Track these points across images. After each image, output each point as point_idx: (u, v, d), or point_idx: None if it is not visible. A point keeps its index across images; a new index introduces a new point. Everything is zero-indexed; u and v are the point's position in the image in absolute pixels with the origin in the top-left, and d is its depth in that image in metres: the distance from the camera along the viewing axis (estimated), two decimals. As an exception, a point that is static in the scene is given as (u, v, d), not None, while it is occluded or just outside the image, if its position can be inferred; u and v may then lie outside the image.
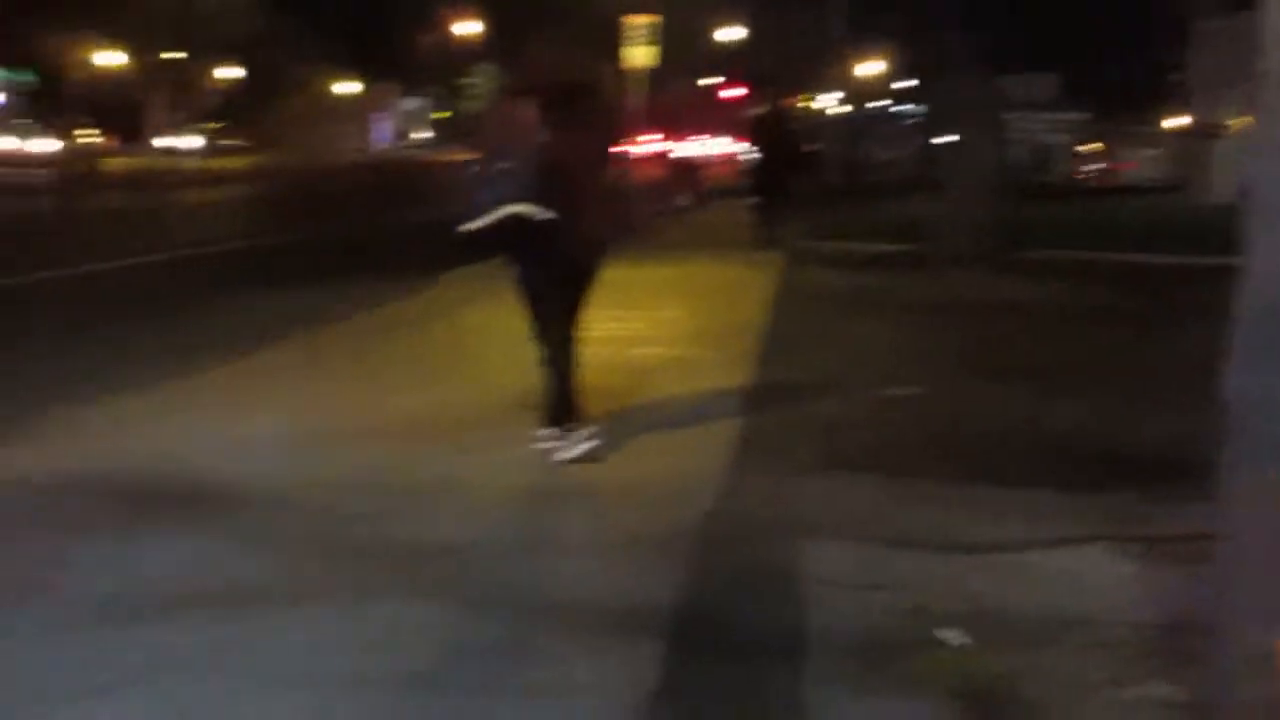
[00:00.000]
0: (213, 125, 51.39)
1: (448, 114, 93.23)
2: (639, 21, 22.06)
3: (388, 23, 69.98)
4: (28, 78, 51.16)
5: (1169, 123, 47.45)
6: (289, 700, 3.68)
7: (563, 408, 6.50)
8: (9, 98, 49.77)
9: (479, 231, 6.20)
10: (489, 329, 9.64)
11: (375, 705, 3.69)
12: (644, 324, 10.65)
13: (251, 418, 7.23)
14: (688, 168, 29.28)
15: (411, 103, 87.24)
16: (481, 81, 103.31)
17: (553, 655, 4.06)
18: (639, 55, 22.08)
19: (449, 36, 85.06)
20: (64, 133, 43.92)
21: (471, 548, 5.07)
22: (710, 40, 43.77)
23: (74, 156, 42.22)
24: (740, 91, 37.68)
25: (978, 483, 6.07)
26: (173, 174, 40.50)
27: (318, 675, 3.84)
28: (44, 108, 48.44)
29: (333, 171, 46.68)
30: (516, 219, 6.14)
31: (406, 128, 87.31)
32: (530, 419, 6.64)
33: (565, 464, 6.36)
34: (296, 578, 4.66)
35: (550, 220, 6.15)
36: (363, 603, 4.42)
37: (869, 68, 48.58)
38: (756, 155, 19.02)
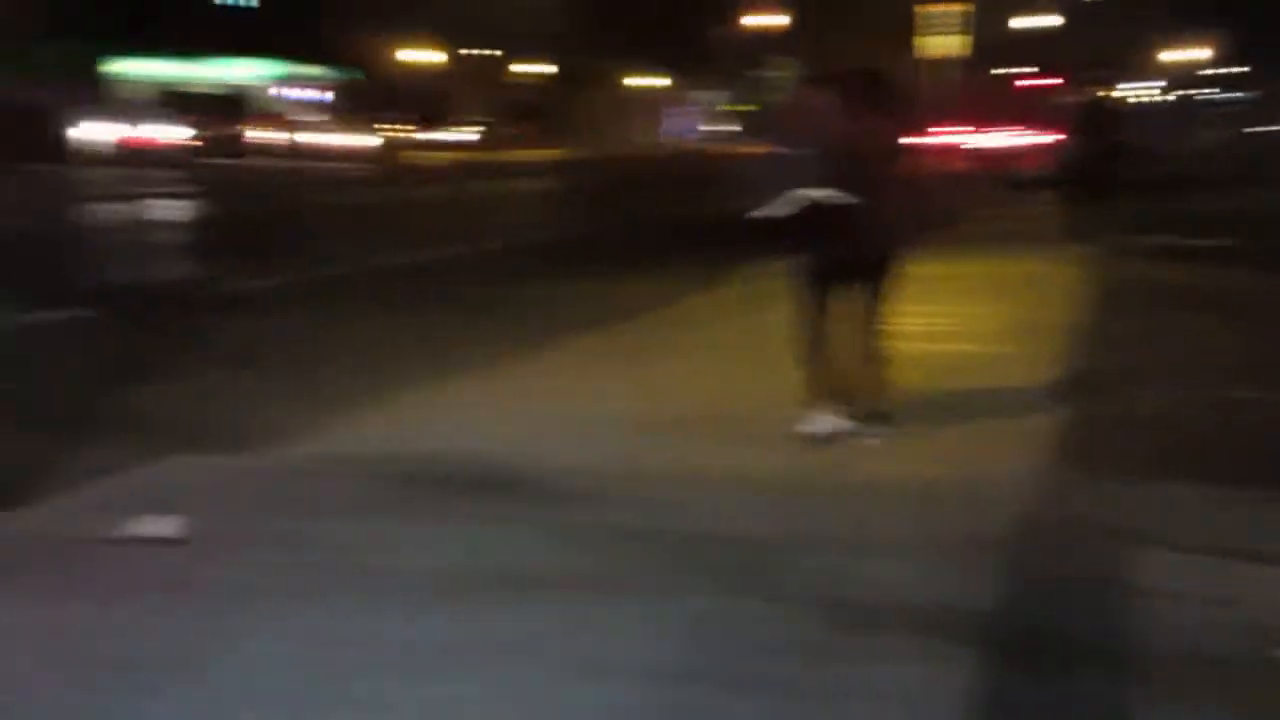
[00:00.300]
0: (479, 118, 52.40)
1: (743, 107, 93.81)
2: (936, 10, 21.59)
3: (688, 17, 70.70)
4: (355, 75, 53.61)
5: None
6: (602, 690, 3.68)
7: (863, 397, 6.52)
8: (336, 95, 52.25)
9: (774, 219, 6.21)
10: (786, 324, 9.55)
11: (682, 700, 3.65)
12: (949, 319, 10.37)
13: (570, 405, 7.37)
14: (992, 158, 28.51)
15: (707, 96, 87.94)
16: (779, 74, 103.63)
17: (860, 657, 3.94)
18: (937, 44, 21.62)
19: (747, 29, 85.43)
20: (373, 127, 45.81)
21: (774, 543, 4.99)
22: (1010, 28, 42.49)
23: (390, 150, 44.03)
24: (1049, 81, 36.53)
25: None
26: (481, 167, 41.85)
27: (626, 666, 3.83)
28: (365, 104, 50.62)
29: (630, 164, 47.44)
30: (815, 206, 6.13)
31: (702, 121, 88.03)
32: (830, 412, 6.57)
33: (863, 455, 6.30)
34: (602, 568, 4.66)
35: (850, 206, 6.12)
36: (668, 596, 4.38)
37: (1187, 54, 46.41)
38: (1074, 145, 18.30)
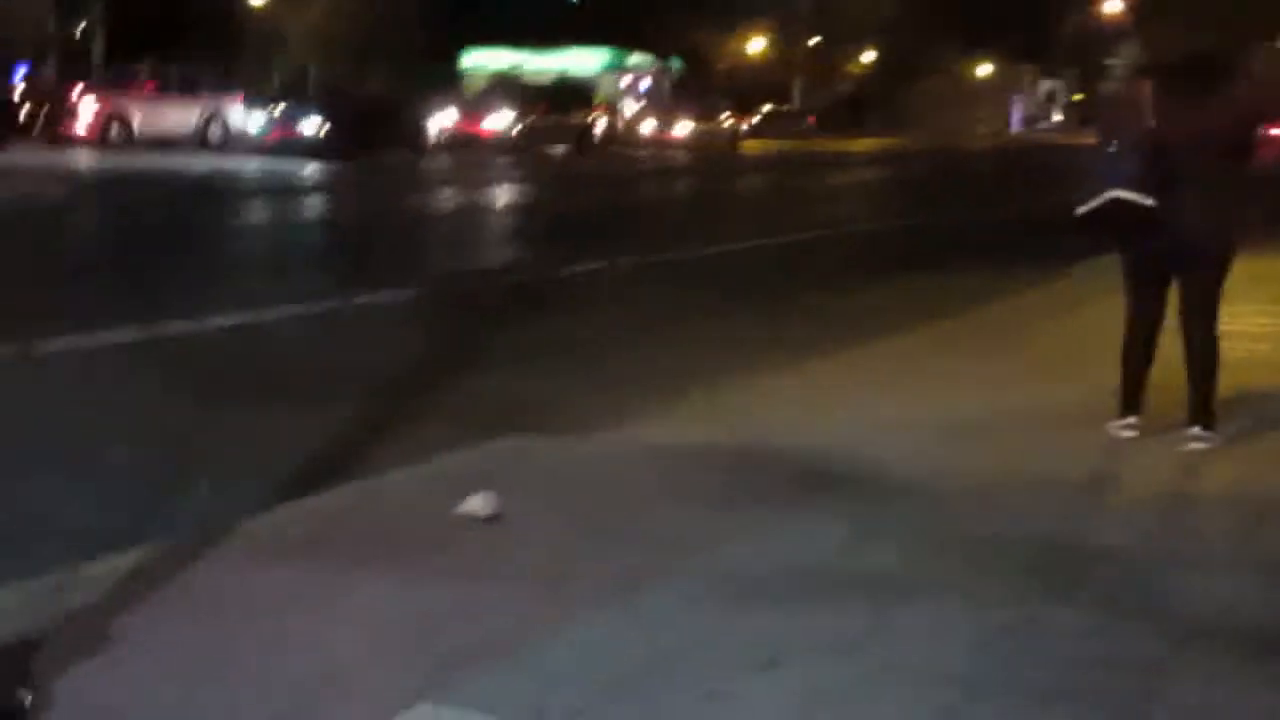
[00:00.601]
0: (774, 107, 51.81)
1: (1082, 96, 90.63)
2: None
3: (1029, 2, 68.81)
4: (677, 64, 54.35)
5: None
6: (916, 697, 3.60)
7: (1199, 405, 6.22)
8: (653, 84, 53.00)
9: (1088, 216, 6.07)
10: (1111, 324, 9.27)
11: (997, 712, 3.54)
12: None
13: (886, 402, 7.24)
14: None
15: (1048, 84, 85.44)
16: (1122, 62, 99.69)
17: (1193, 678, 3.74)
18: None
19: (1093, 15, 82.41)
20: (701, 116, 46.29)
21: (1108, 551, 4.81)
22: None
23: (710, 140, 44.42)
24: None
25: None
26: (810, 156, 41.84)
27: (942, 673, 3.73)
28: (686, 93, 51.23)
29: (967, 155, 46.56)
30: (1120, 204, 5.94)
31: (1041, 110, 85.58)
32: (1167, 417, 6.32)
33: (1189, 461, 6.05)
34: (919, 569, 4.57)
35: (1151, 207, 5.89)
36: (990, 601, 4.27)
37: None
38: None
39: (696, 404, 7.24)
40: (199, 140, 32.84)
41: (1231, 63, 6.46)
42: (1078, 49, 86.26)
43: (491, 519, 4.90)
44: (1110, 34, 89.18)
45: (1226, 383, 6.41)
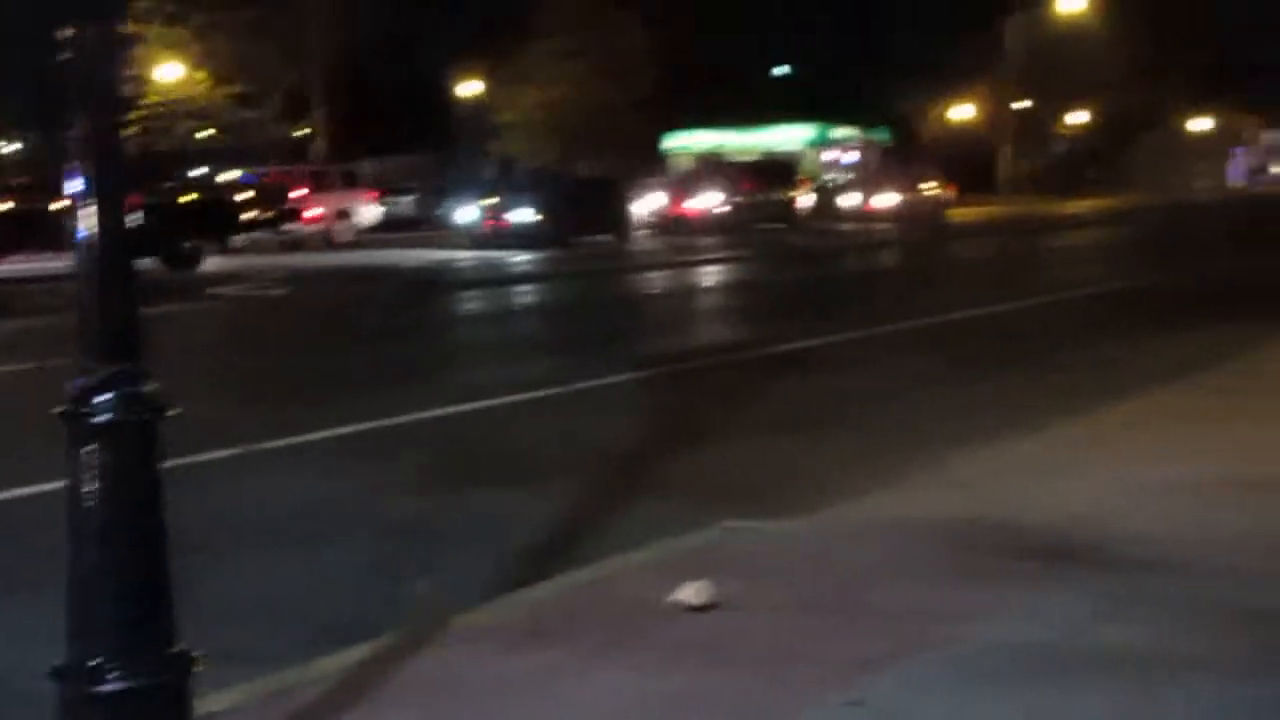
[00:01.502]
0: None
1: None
2: None
3: (1246, 53, 66.69)
4: (883, 135, 54.17)
5: None
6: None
7: None
8: (862, 155, 52.83)
9: None
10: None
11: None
12: None
13: (1115, 469, 6.95)
14: None
15: (1272, 136, 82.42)
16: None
17: None
18: None
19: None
20: (906, 186, 45.86)
21: None
22: None
23: (915, 209, 43.96)
24: None
25: None
26: (1025, 220, 41.06)
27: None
28: (893, 163, 50.97)
29: (1194, 210, 45.18)
30: None
31: (1266, 162, 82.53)
32: None
33: None
34: (1182, 644, 4.32)
35: None
36: (1258, 677, 4.01)
37: None
38: None
39: (928, 474, 7.09)
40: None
41: None
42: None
43: (705, 607, 4.78)
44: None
45: None
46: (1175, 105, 66.37)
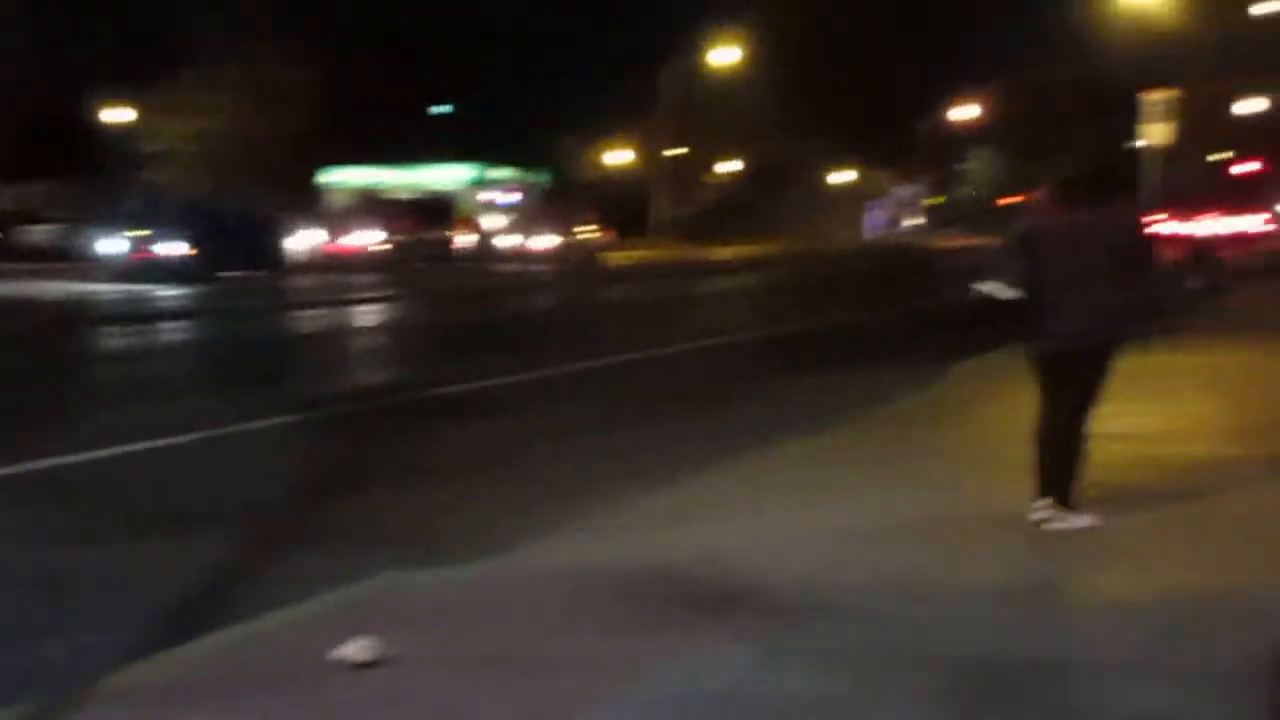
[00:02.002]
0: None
1: (940, 199, 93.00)
2: (1155, 97, 21.10)
3: (887, 111, 70.68)
4: (542, 178, 54.86)
5: None
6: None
7: (1061, 486, 6.58)
8: (523, 197, 53.37)
9: (977, 303, 6.77)
10: (1008, 424, 9.39)
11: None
12: (1164, 418, 9.88)
13: (777, 514, 7.15)
14: (1205, 248, 27.57)
15: (906, 190, 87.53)
16: (976, 166, 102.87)
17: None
18: (1157, 132, 21.10)
19: (946, 122, 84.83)
20: (565, 228, 46.53)
21: (1023, 664, 4.73)
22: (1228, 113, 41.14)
23: (573, 251, 44.61)
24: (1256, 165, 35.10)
25: None
26: (672, 265, 42.15)
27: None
28: (553, 205, 51.68)
29: (829, 259, 47.30)
30: (989, 298, 6.62)
31: (900, 214, 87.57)
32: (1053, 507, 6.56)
33: (1095, 562, 6.16)
34: (858, 695, 4.45)
35: (1016, 302, 6.56)
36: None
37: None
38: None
39: (590, 520, 7.11)
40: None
41: (1116, 164, 6.97)
42: (933, 154, 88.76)
43: (371, 664, 4.69)
44: (962, 140, 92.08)
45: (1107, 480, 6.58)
46: (819, 158, 69.60)
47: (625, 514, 7.25)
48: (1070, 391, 6.55)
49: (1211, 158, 46.88)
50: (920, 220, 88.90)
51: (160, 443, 9.99)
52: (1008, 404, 10.51)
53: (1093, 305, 6.38)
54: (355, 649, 4.73)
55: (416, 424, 11.14)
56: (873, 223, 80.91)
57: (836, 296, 28.04)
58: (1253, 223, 32.22)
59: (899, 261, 46.23)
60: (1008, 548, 6.34)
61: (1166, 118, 21.26)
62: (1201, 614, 5.29)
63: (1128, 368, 6.66)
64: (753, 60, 58.35)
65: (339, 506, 7.87)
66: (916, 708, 4.34)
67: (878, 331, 20.02)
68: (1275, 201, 32.71)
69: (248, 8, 41.19)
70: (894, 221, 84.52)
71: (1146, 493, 7.24)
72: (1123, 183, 7.36)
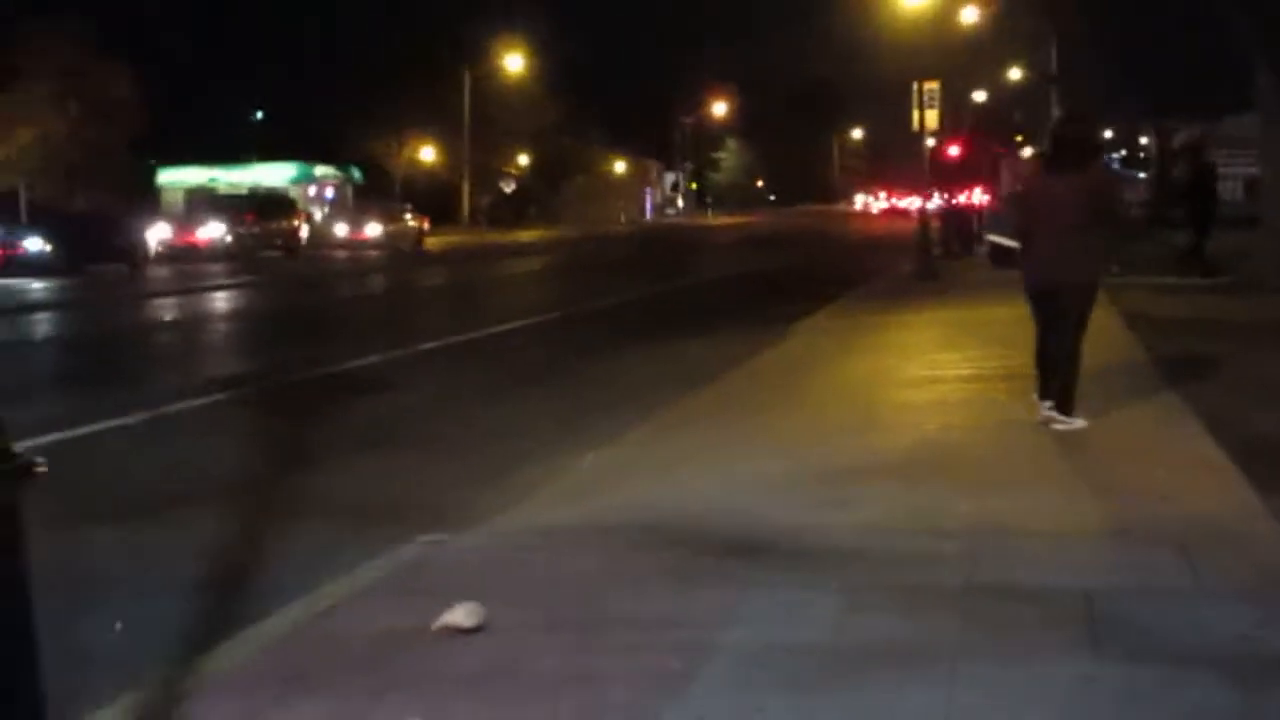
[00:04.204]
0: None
1: (696, 185, 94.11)
2: (928, 86, 21.45)
3: (653, 107, 71.18)
4: (356, 174, 53.38)
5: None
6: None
7: (1065, 395, 7.20)
8: (337, 191, 51.95)
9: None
10: (866, 372, 9.39)
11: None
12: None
13: (728, 465, 6.76)
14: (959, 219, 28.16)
15: (671, 176, 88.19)
16: (727, 155, 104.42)
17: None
18: (928, 117, 21.47)
19: (703, 117, 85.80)
20: (387, 218, 45.12)
21: (1078, 592, 4.38)
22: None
23: (396, 238, 43.22)
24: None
25: None
26: (487, 248, 41.44)
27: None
28: (369, 198, 50.34)
29: (618, 239, 47.19)
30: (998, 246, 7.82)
31: (668, 199, 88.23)
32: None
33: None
34: (946, 632, 4.05)
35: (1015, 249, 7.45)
36: (1041, 657, 3.79)
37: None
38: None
39: (559, 482, 6.63)
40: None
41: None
42: (692, 146, 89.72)
43: (476, 629, 4.18)
44: (717, 132, 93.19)
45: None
46: (597, 151, 69.55)
47: (571, 478, 6.69)
48: (1065, 319, 7.11)
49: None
50: (684, 204, 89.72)
51: (100, 426, 8.99)
52: (855, 357, 10.46)
53: (1072, 249, 6.98)
54: (462, 614, 4.19)
55: (324, 401, 10.26)
56: (651, 206, 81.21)
57: (640, 271, 27.81)
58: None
59: (679, 238, 46.38)
60: (990, 481, 6.08)
61: (931, 105, 21.57)
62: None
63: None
64: (537, 65, 58.02)
65: (303, 483, 7.12)
66: (1016, 639, 3.98)
67: (690, 301, 19.80)
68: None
69: (74, 25, 38.98)
70: (665, 205, 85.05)
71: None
72: (1091, 151, 7.59)
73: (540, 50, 57.36)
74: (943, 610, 4.26)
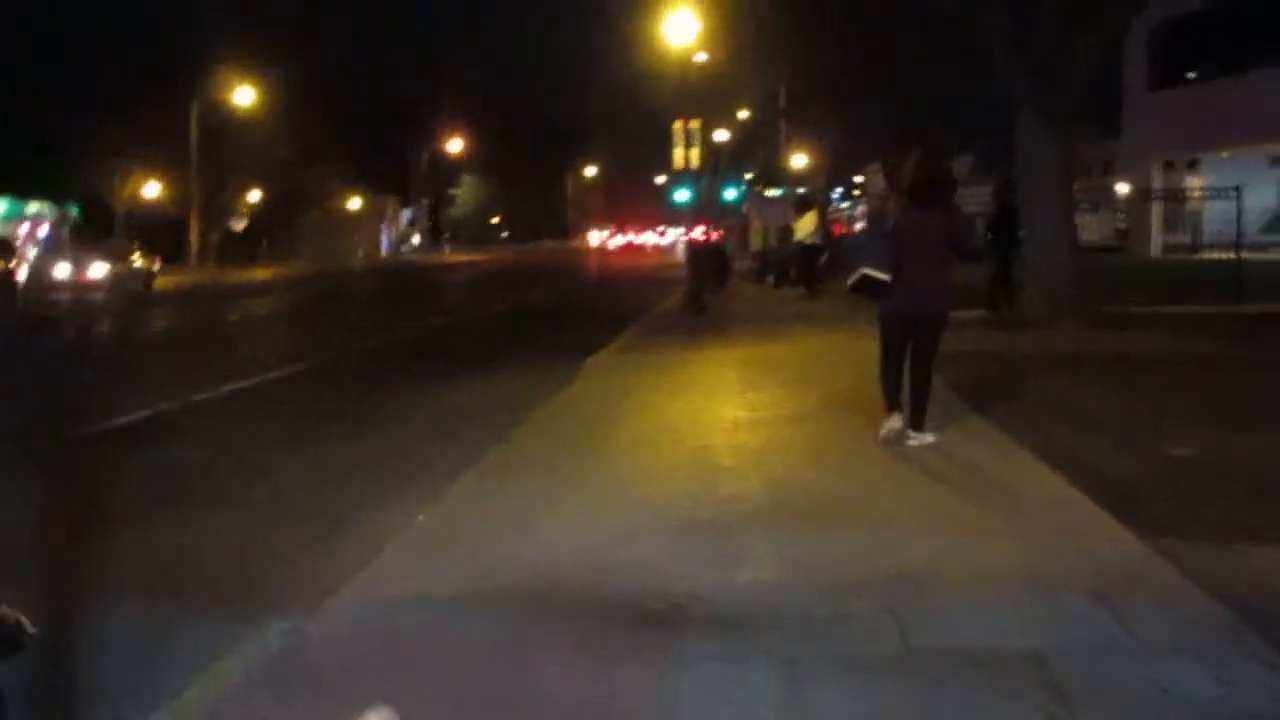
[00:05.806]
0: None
1: (430, 223, 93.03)
2: (687, 126, 21.61)
3: (389, 142, 69.98)
4: (74, 210, 50.22)
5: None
6: None
7: (916, 413, 7.82)
8: (54, 229, 48.71)
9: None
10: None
11: None
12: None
13: (576, 513, 6.41)
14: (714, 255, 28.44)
15: (407, 212, 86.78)
16: (463, 191, 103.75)
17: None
18: (688, 155, 21.62)
19: (439, 153, 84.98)
20: (114, 257, 42.36)
21: (1027, 653, 4.23)
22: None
23: (124, 280, 40.65)
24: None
25: None
26: (221, 288, 39.59)
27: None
28: (91, 236, 47.34)
29: (357, 277, 45.93)
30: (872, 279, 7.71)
31: (404, 236, 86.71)
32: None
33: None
34: (888, 712, 3.83)
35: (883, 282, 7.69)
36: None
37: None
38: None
39: (406, 541, 6.07)
40: None
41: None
42: (427, 181, 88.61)
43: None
44: (452, 169, 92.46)
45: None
46: (332, 186, 67.65)
47: (415, 537, 6.16)
48: (921, 344, 7.71)
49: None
50: (418, 240, 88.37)
51: None
52: (664, 397, 10.26)
53: (937, 279, 7.59)
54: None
55: (118, 456, 9.35)
56: (389, 242, 79.56)
57: (395, 309, 27.01)
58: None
59: (424, 275, 45.48)
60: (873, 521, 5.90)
61: (693, 143, 21.77)
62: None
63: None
64: (270, 98, 56.04)
65: (107, 552, 6.34)
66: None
67: (461, 340, 19.23)
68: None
69: None
70: (402, 241, 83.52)
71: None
72: (948, 189, 7.85)
73: (272, 83, 55.47)
74: (891, 681, 4.04)
